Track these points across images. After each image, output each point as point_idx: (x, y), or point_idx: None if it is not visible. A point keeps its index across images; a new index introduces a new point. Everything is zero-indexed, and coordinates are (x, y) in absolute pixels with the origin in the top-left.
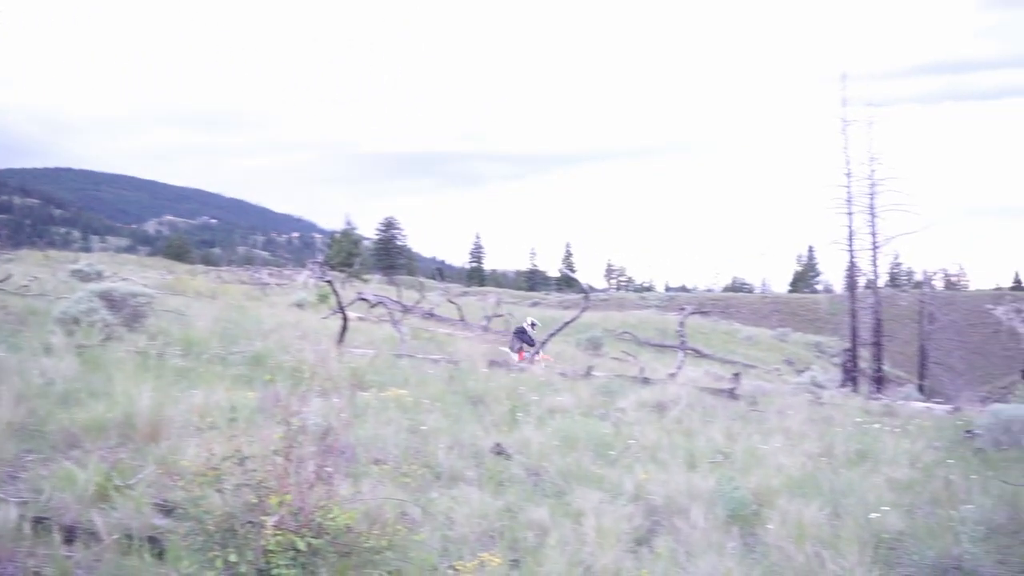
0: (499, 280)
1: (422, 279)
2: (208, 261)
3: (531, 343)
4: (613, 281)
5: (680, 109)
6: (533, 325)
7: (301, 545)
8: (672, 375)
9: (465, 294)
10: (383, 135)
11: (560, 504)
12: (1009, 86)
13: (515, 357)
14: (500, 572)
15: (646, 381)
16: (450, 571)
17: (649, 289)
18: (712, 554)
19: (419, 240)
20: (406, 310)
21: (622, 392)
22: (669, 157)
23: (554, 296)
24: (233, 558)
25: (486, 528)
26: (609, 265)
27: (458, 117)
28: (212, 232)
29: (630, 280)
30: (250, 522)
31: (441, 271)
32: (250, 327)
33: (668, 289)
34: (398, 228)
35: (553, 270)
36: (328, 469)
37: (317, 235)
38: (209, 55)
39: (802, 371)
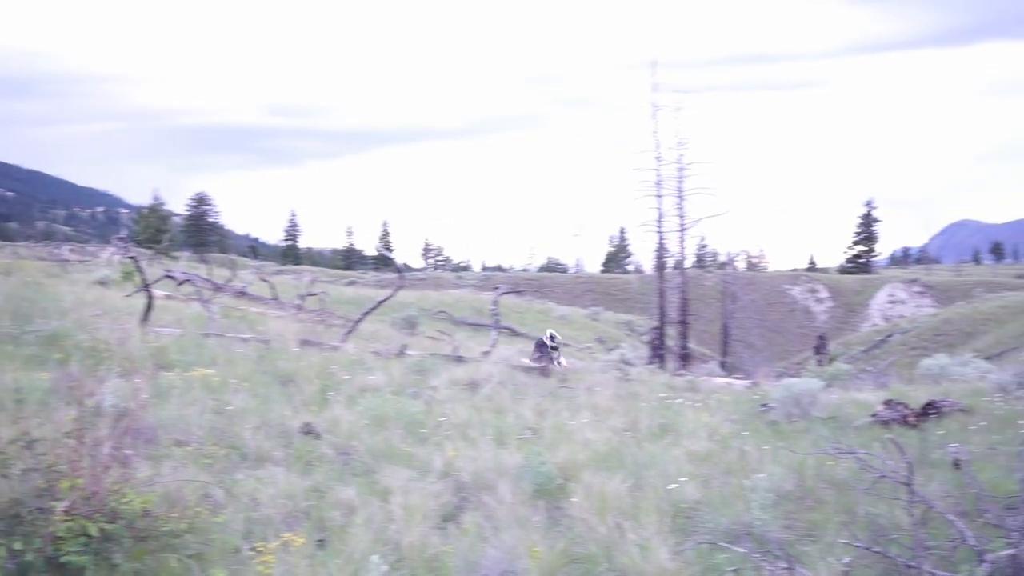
0: (315, 259)
1: (235, 257)
2: (3, 236)
3: (550, 354)
4: (430, 261)
5: (496, 90)
6: (552, 338)
7: (93, 531)
8: (485, 353)
9: (279, 272)
10: (194, 108)
11: (368, 483)
12: (808, 78)
13: None
14: (304, 552)
15: (460, 360)
16: (252, 552)
17: (466, 269)
18: (517, 528)
19: (232, 217)
20: (216, 288)
21: (435, 371)
22: (486, 137)
23: (371, 275)
24: (18, 546)
25: (292, 508)
26: (426, 245)
27: (272, 92)
28: (8, 205)
29: (447, 260)
30: (39, 508)
31: (255, 249)
32: (47, 305)
33: (484, 269)
34: (210, 204)
35: (370, 249)
36: (125, 452)
37: (123, 210)
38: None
39: (612, 349)
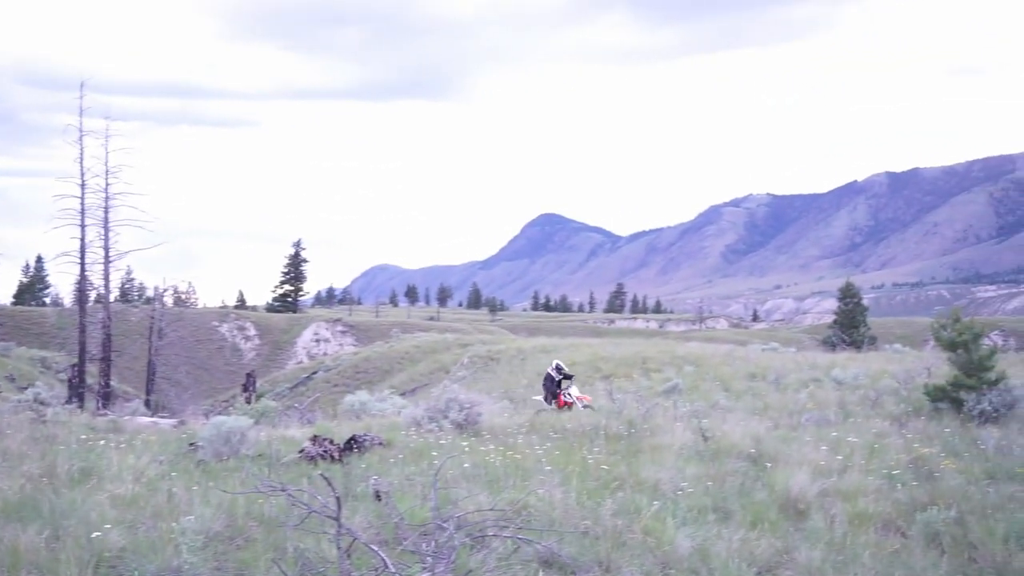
0: None
1: None
2: None
3: (558, 386)
4: None
5: None
6: (559, 369)
7: None
8: None
9: None
10: None
11: None
12: (240, 116)
13: (552, 406)
14: None
15: None
16: None
17: None
18: None
19: None
20: None
21: None
22: None
23: None
24: None
25: None
26: None
27: None
28: None
29: None
30: None
31: None
32: None
33: None
34: None
35: None
36: None
37: None
38: None
39: (25, 388)
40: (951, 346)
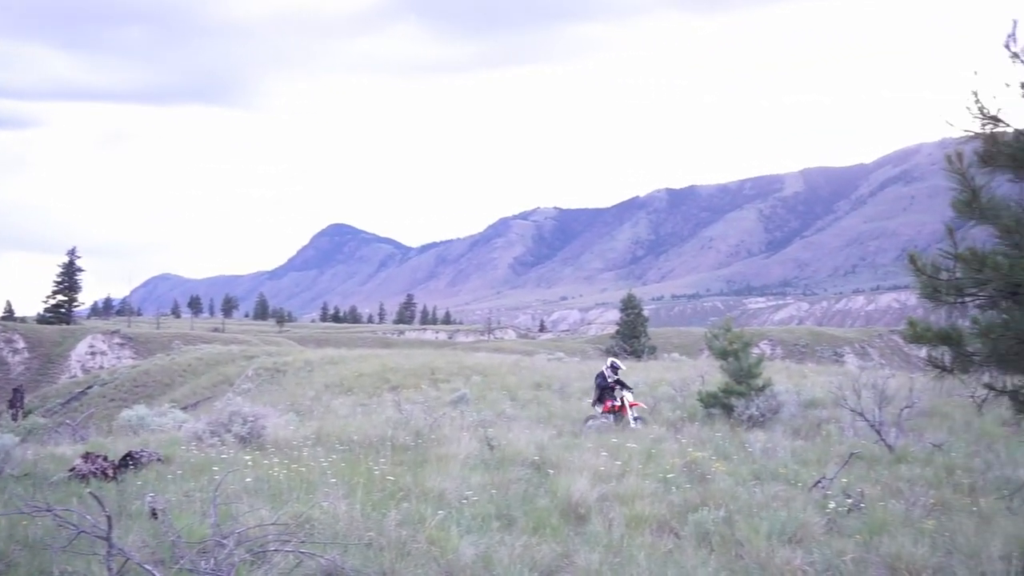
0: None
1: None
2: None
3: (611, 389)
4: None
5: None
6: (615, 368)
7: None
8: None
9: None
10: None
11: None
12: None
13: (599, 409)
14: None
15: None
16: None
17: None
18: None
19: None
20: None
21: None
22: None
23: None
24: None
25: None
26: None
27: None
28: None
29: None
30: None
31: None
32: None
33: None
34: None
35: None
36: None
37: None
38: None
39: None
40: (723, 355)
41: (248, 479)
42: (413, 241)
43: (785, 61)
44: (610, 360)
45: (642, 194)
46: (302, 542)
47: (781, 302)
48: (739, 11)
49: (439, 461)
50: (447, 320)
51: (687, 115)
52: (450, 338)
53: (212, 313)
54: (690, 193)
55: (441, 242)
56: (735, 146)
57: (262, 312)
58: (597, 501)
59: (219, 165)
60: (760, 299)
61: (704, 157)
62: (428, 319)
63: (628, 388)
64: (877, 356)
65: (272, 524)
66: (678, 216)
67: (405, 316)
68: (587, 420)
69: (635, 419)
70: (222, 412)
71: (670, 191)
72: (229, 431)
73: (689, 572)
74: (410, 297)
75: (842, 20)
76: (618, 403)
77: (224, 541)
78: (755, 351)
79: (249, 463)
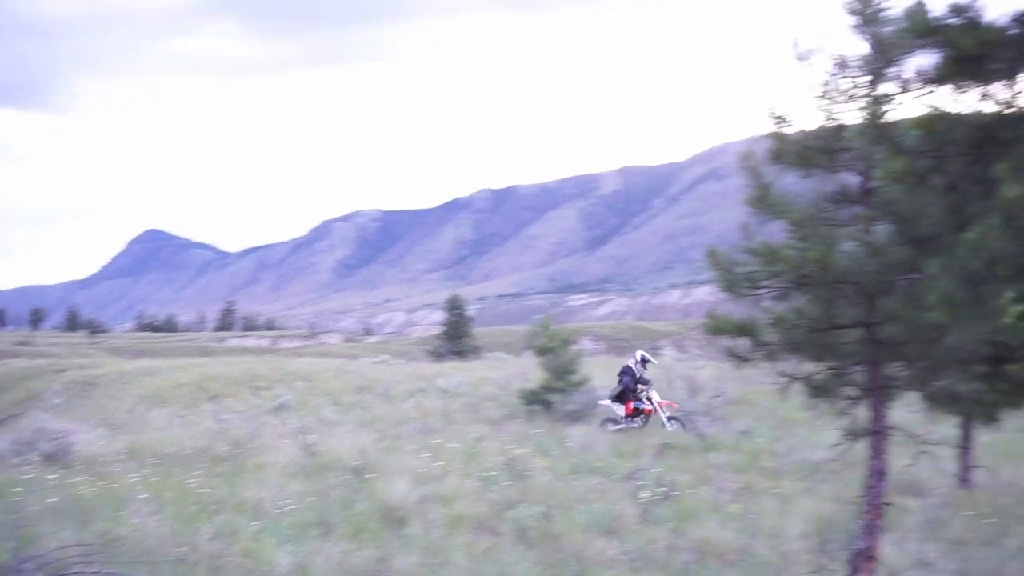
0: None
1: None
2: None
3: (633, 388)
4: None
5: None
6: (644, 362)
7: None
8: None
9: None
10: None
11: None
12: None
13: (621, 411)
14: None
15: None
16: None
17: None
18: None
19: None
20: None
21: None
22: None
23: None
24: None
25: None
26: None
27: None
28: None
29: None
30: None
31: None
32: None
33: None
34: None
35: None
36: None
37: None
38: None
39: None
40: (543, 352)
41: (52, 499)
42: (233, 246)
43: (602, 60)
44: (639, 353)
45: (465, 195)
46: (107, 562)
47: (602, 298)
48: (559, 10)
49: (257, 470)
50: (270, 326)
51: (508, 115)
52: (273, 344)
53: (19, 325)
54: (511, 193)
55: (262, 246)
56: (554, 146)
57: (73, 323)
58: (417, 503)
59: (24, 168)
60: (582, 296)
61: (525, 157)
62: (250, 325)
63: (648, 384)
64: (694, 348)
65: (75, 545)
66: (501, 216)
67: (226, 323)
68: (604, 422)
69: (669, 419)
70: (27, 430)
71: (492, 191)
72: (34, 449)
73: (507, 569)
74: (231, 303)
75: (653, 21)
76: (646, 405)
77: (23, 566)
78: (578, 347)
79: (54, 482)
